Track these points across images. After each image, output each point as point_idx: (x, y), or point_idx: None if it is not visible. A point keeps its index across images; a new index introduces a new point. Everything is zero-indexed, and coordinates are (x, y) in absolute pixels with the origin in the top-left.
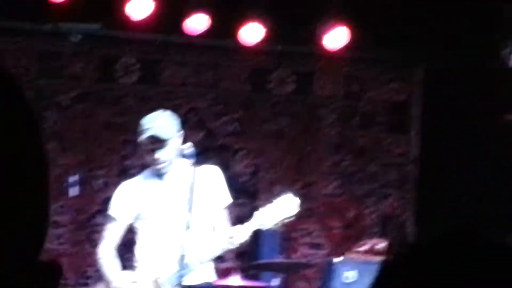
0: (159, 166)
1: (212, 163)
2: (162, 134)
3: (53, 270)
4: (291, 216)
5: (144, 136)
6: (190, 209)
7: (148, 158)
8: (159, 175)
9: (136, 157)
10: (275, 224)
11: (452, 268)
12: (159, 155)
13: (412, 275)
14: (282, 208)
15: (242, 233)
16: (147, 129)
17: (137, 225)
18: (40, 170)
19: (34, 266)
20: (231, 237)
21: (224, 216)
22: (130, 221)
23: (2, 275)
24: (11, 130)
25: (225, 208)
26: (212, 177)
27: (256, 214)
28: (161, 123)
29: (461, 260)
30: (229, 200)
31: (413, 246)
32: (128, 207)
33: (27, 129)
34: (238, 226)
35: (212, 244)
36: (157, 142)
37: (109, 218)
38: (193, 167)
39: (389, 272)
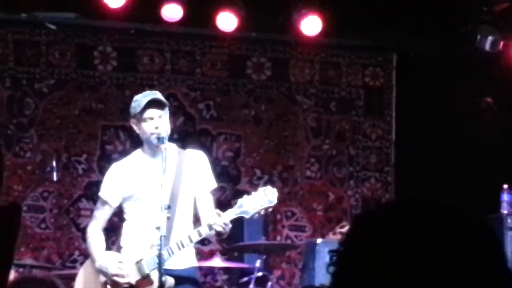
0: (160, 133)
1: (193, 148)
2: (161, 98)
3: (11, 209)
4: (271, 206)
5: (145, 103)
6: (176, 192)
7: (148, 128)
8: (152, 153)
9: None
10: (256, 213)
11: (410, 227)
12: (159, 122)
13: (375, 230)
14: (263, 197)
15: (223, 220)
16: (146, 96)
17: (125, 206)
18: None
19: None
20: (211, 224)
21: (209, 201)
22: (119, 202)
23: None
24: None
25: (210, 192)
26: (198, 161)
27: (239, 201)
28: (156, 94)
29: (419, 222)
30: (214, 184)
31: (382, 204)
32: (118, 189)
33: None
34: (219, 213)
35: (193, 229)
36: (158, 107)
37: (100, 200)
38: (180, 150)
39: (357, 225)
